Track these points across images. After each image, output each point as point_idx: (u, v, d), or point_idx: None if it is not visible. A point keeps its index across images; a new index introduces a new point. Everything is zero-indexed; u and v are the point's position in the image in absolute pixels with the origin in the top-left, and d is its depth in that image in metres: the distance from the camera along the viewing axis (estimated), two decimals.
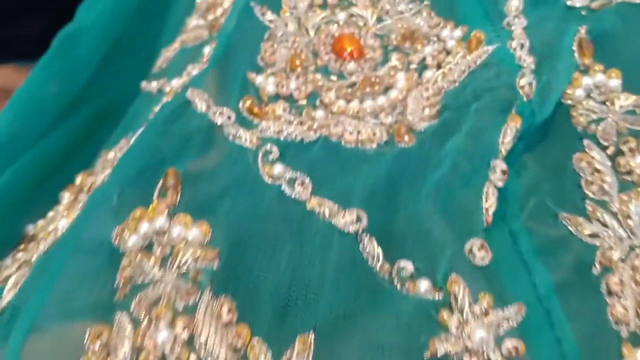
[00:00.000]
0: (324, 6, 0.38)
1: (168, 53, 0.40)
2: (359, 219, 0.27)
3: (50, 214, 0.34)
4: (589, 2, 0.33)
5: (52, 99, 0.37)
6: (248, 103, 0.31)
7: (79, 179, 0.34)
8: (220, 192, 0.28)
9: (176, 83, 0.34)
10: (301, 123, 0.31)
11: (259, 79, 0.33)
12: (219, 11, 0.41)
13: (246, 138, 0.30)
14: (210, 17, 0.40)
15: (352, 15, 0.38)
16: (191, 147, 0.29)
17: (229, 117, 0.30)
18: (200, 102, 0.31)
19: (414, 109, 0.31)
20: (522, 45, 0.32)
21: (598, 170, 0.29)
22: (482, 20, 0.34)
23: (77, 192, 0.34)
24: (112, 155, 0.35)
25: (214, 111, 0.30)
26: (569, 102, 0.31)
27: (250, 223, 0.27)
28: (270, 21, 0.36)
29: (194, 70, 0.34)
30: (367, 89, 0.33)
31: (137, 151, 0.29)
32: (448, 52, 0.34)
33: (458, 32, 0.34)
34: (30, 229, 0.34)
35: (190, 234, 0.26)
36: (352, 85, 0.34)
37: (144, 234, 0.26)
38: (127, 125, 0.37)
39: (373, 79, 0.34)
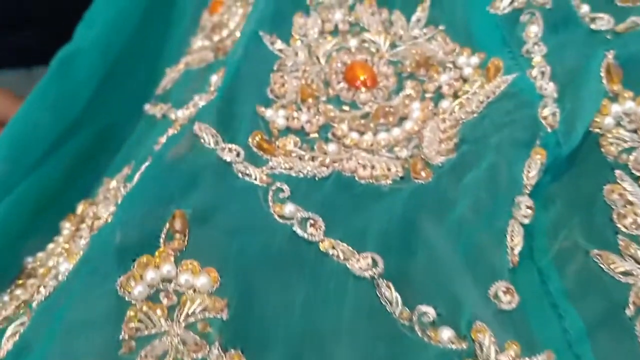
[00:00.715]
0: (335, 33, 0.37)
1: (173, 74, 0.38)
2: (375, 264, 0.25)
3: (50, 245, 0.33)
4: (614, 26, 0.32)
5: (49, 125, 0.35)
6: (258, 138, 0.30)
7: (80, 208, 0.33)
8: (230, 233, 0.27)
9: (182, 114, 0.34)
10: (313, 158, 0.30)
11: (268, 113, 0.32)
12: (225, 32, 0.39)
13: (256, 176, 0.29)
14: (216, 37, 0.39)
15: (364, 42, 0.37)
16: (199, 185, 0.28)
17: (238, 154, 0.29)
18: (208, 137, 0.30)
19: (430, 142, 0.29)
20: (542, 74, 0.30)
21: (631, 203, 0.27)
22: (499, 47, 0.33)
23: (78, 222, 0.33)
24: (114, 184, 0.34)
25: (222, 147, 0.29)
26: (598, 130, 0.29)
27: (260, 266, 0.26)
28: (280, 50, 0.35)
29: (200, 101, 0.33)
30: (381, 120, 0.32)
31: (143, 190, 0.28)
32: (465, 80, 0.33)
33: (475, 59, 0.33)
34: (29, 261, 0.33)
35: (198, 281, 0.25)
36: (365, 115, 0.33)
37: (150, 283, 0.25)
38: (129, 151, 0.36)
39: (387, 109, 0.33)
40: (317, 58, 0.36)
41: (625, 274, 0.26)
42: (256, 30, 0.35)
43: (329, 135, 0.31)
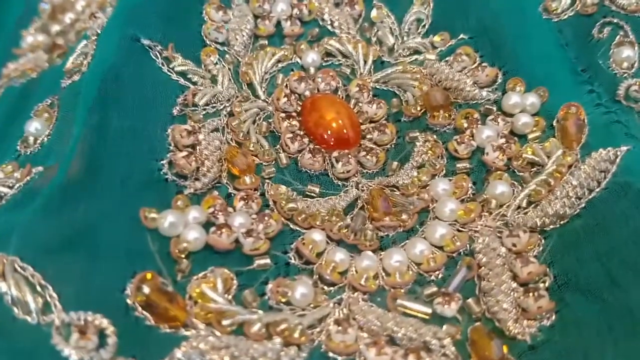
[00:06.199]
0: (276, 37, 0.22)
1: None
2: None
3: None
4: None
5: None
6: (147, 289, 0.14)
7: None
8: None
9: None
10: (267, 330, 0.14)
11: (167, 219, 0.15)
12: (69, 17, 0.25)
13: None
14: (55, 28, 0.26)
15: (329, 55, 0.21)
16: None
17: (103, 336, 0.13)
18: (25, 300, 0.14)
19: (499, 283, 0.15)
20: None
21: None
22: (567, 77, 0.19)
23: None
24: None
25: (61, 320, 0.13)
26: None
27: None
28: (183, 74, 0.19)
29: (6, 187, 0.17)
30: (385, 220, 0.17)
31: None
32: (520, 137, 0.19)
33: (534, 100, 0.19)
34: None
35: None
36: (351, 205, 0.18)
37: None
38: None
39: (390, 196, 0.18)
40: (251, 86, 0.20)
41: None
42: (135, 36, 0.19)
43: (291, 257, 0.16)
